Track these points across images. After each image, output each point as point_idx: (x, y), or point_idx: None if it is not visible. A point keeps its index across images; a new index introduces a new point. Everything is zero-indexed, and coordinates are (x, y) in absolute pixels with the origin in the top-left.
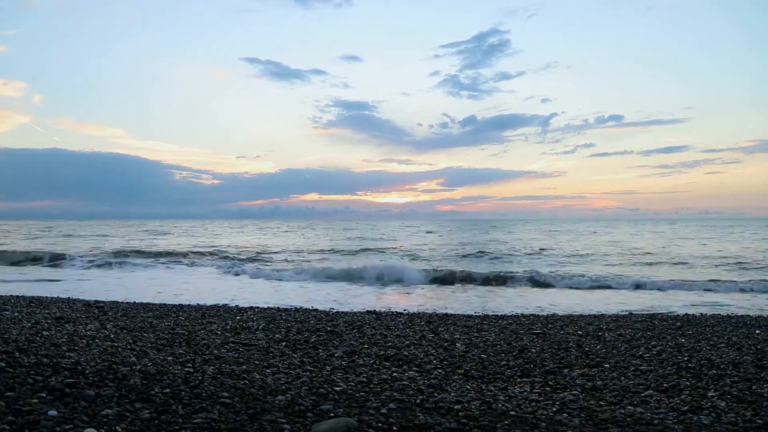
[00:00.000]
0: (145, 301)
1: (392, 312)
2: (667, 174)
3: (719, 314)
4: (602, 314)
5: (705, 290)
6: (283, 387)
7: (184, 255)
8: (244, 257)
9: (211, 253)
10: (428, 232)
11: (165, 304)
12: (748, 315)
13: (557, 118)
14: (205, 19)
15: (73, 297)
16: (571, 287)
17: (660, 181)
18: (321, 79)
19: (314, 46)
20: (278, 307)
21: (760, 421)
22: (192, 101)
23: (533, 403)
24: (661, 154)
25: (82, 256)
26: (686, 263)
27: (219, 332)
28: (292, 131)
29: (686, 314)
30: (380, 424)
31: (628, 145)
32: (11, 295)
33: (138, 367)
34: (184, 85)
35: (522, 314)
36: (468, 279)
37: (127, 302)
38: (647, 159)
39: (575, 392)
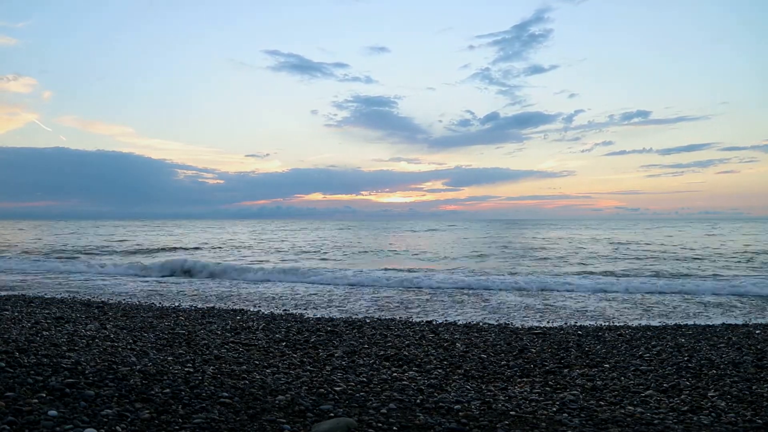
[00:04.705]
0: None
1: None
2: (679, 173)
3: None
4: None
5: None
6: (283, 387)
7: None
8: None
9: None
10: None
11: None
12: None
13: (581, 114)
14: (224, 10)
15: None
16: None
17: (669, 180)
18: (343, 72)
19: (341, 35)
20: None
21: (760, 421)
22: (204, 97)
23: (533, 403)
24: (681, 152)
25: None
26: None
27: (219, 332)
28: (305, 129)
29: None
30: (380, 424)
31: (647, 143)
32: (11, 295)
33: (138, 367)
34: (197, 81)
35: None
36: None
37: (127, 302)
38: (661, 158)
39: (575, 392)
